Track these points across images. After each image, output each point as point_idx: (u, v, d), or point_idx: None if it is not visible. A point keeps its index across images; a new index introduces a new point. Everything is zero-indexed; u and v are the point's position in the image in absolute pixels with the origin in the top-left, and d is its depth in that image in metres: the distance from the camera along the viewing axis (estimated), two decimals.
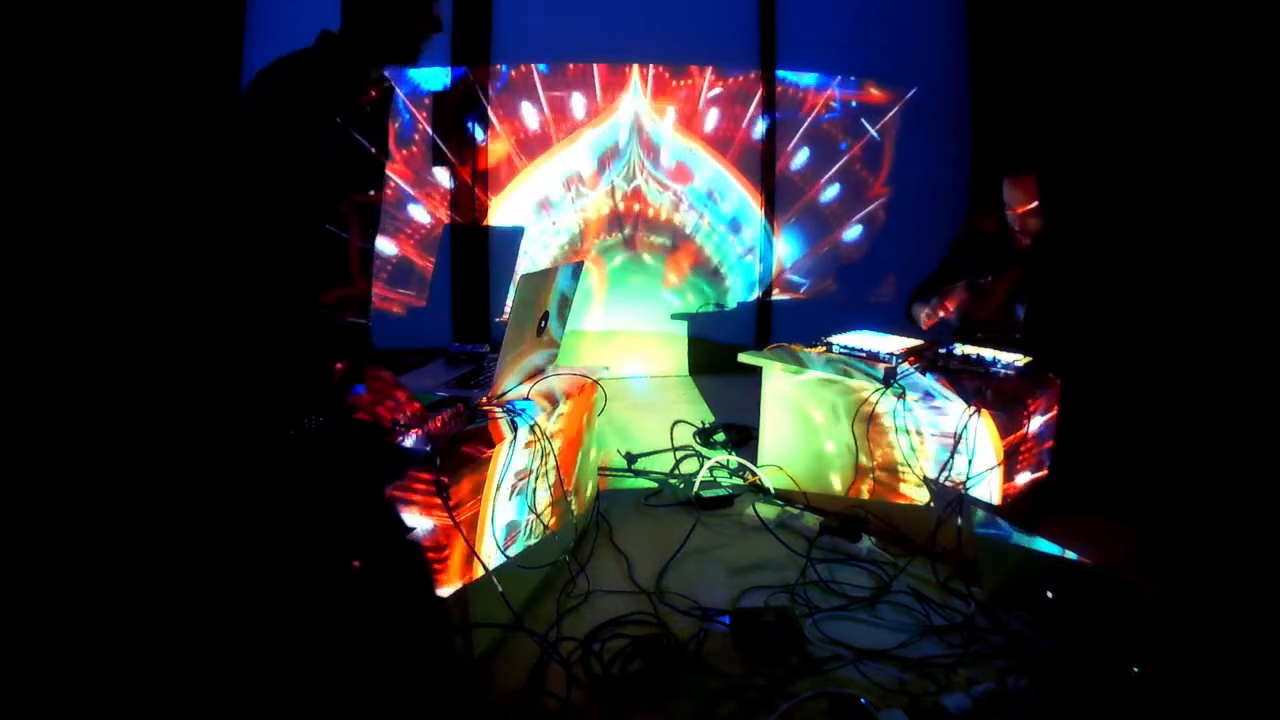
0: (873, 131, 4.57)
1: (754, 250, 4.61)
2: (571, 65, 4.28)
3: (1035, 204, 2.91)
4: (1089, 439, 2.74)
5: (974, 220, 3.24)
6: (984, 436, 2.28)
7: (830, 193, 4.60)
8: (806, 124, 4.52)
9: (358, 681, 1.67)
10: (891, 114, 4.56)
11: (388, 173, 4.09)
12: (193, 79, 3.38)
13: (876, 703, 1.65)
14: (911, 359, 2.59)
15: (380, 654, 1.69)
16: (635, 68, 4.33)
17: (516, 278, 4.31)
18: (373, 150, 1.97)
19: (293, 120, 1.74)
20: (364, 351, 2.14)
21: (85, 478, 2.47)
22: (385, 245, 4.19)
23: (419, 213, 4.24)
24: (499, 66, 4.21)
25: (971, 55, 4.52)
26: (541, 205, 4.38)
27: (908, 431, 2.41)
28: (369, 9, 1.84)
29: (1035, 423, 2.47)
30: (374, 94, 1.95)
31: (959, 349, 2.69)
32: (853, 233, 4.66)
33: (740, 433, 3.32)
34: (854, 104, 4.54)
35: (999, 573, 2.03)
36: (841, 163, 4.58)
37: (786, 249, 4.63)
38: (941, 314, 3.08)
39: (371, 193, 2.00)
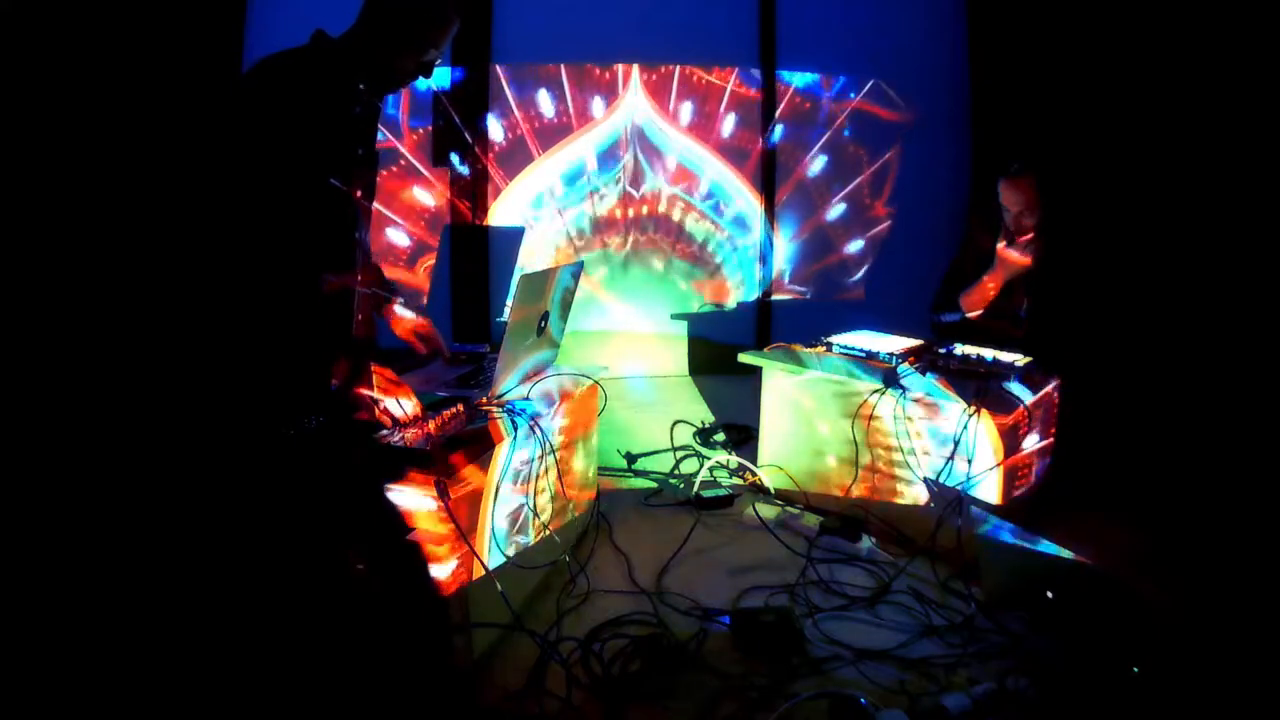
0: (872, 131, 4.56)
1: (754, 250, 4.61)
2: (571, 65, 4.27)
3: (1031, 205, 2.91)
4: (1089, 438, 2.74)
5: (974, 233, 3.23)
6: (984, 436, 2.28)
7: (830, 192, 4.60)
8: (806, 123, 4.52)
9: (357, 682, 1.67)
10: (892, 113, 4.56)
11: (387, 173, 4.10)
12: (192, 78, 3.38)
13: (876, 703, 1.65)
14: (911, 359, 2.59)
15: (380, 654, 1.69)
16: (635, 68, 4.33)
17: (516, 278, 4.31)
18: (361, 151, 1.97)
19: (288, 119, 1.74)
20: (365, 351, 2.14)
21: (82, 478, 2.46)
22: (385, 246, 4.19)
23: (418, 213, 4.24)
24: (499, 67, 4.20)
25: (972, 54, 4.51)
26: (541, 205, 4.38)
27: (908, 432, 2.41)
28: (369, 41, 1.86)
29: (1035, 423, 2.47)
30: (365, 100, 1.95)
31: (959, 349, 2.69)
32: (853, 232, 4.66)
33: (740, 433, 3.32)
34: (854, 102, 4.54)
35: (999, 573, 2.03)
36: (841, 162, 4.58)
37: (786, 248, 4.63)
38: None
39: (359, 194, 2.00)
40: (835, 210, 4.63)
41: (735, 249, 4.60)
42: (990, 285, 3.04)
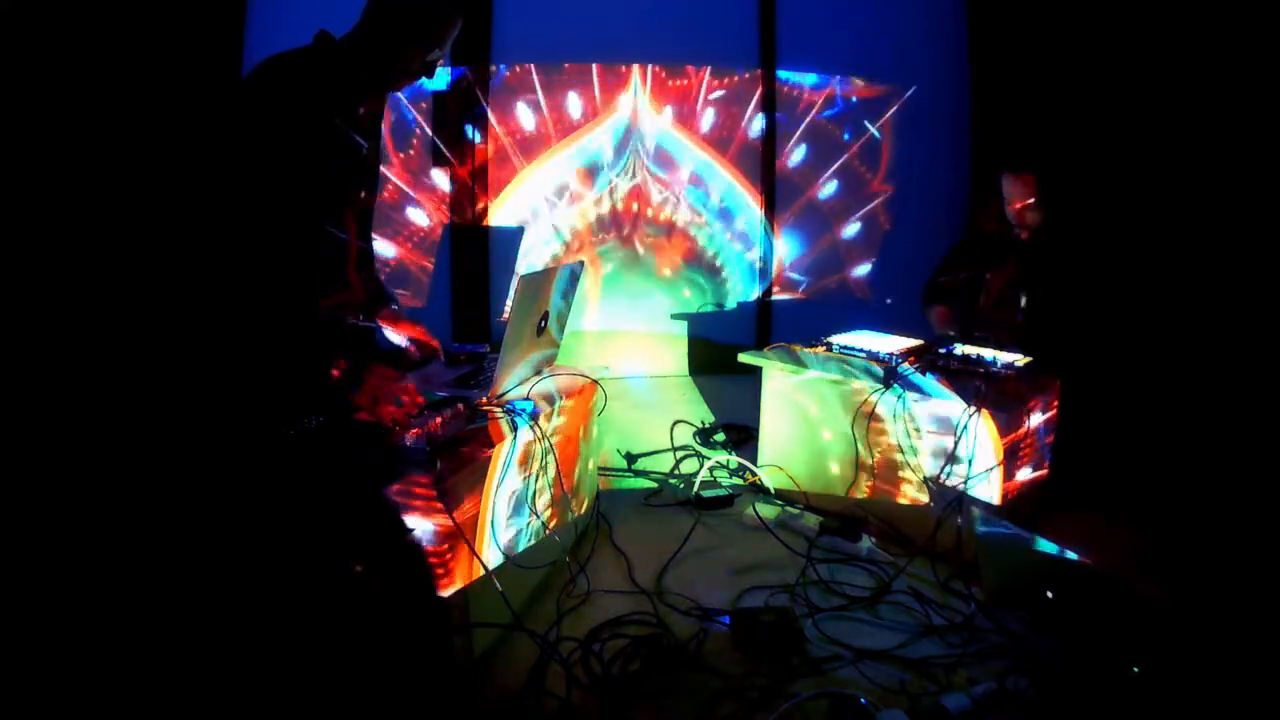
0: (873, 130, 4.57)
1: (754, 250, 4.61)
2: (571, 65, 4.27)
3: (1033, 199, 2.91)
4: (1089, 439, 2.74)
5: (976, 220, 3.25)
6: (984, 436, 2.28)
7: (830, 192, 4.60)
8: (806, 123, 4.52)
9: (358, 682, 1.67)
10: (892, 113, 4.56)
11: (387, 173, 4.10)
12: (192, 78, 3.38)
13: (876, 703, 1.65)
14: (911, 359, 2.59)
15: (380, 654, 1.69)
16: (635, 67, 4.33)
17: (516, 278, 4.31)
18: (365, 151, 1.97)
19: (291, 120, 1.74)
20: (367, 350, 2.14)
21: (81, 479, 2.46)
22: (385, 246, 4.19)
23: (419, 213, 4.24)
24: (498, 66, 4.20)
25: (972, 53, 4.51)
26: (541, 205, 4.38)
27: (908, 431, 2.41)
28: (373, 41, 1.85)
29: (1035, 422, 2.47)
30: (369, 99, 1.95)
31: (959, 349, 2.69)
32: (853, 232, 4.66)
33: (740, 433, 3.32)
34: (854, 103, 4.54)
35: (999, 573, 2.03)
36: (841, 162, 4.58)
37: (786, 248, 4.63)
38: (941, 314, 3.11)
39: (363, 195, 2.00)
40: (835, 210, 4.63)
41: (735, 249, 4.60)
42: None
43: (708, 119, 4.44)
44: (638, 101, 4.37)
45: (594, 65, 4.29)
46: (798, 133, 4.52)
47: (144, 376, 2.89)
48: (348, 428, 1.77)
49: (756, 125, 4.47)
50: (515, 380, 2.09)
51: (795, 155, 4.54)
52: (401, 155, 4.16)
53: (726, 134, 4.47)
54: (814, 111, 4.51)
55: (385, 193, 4.14)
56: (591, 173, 4.39)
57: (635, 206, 4.46)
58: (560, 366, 2.39)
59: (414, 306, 4.25)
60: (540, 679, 1.76)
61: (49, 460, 2.55)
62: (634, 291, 4.55)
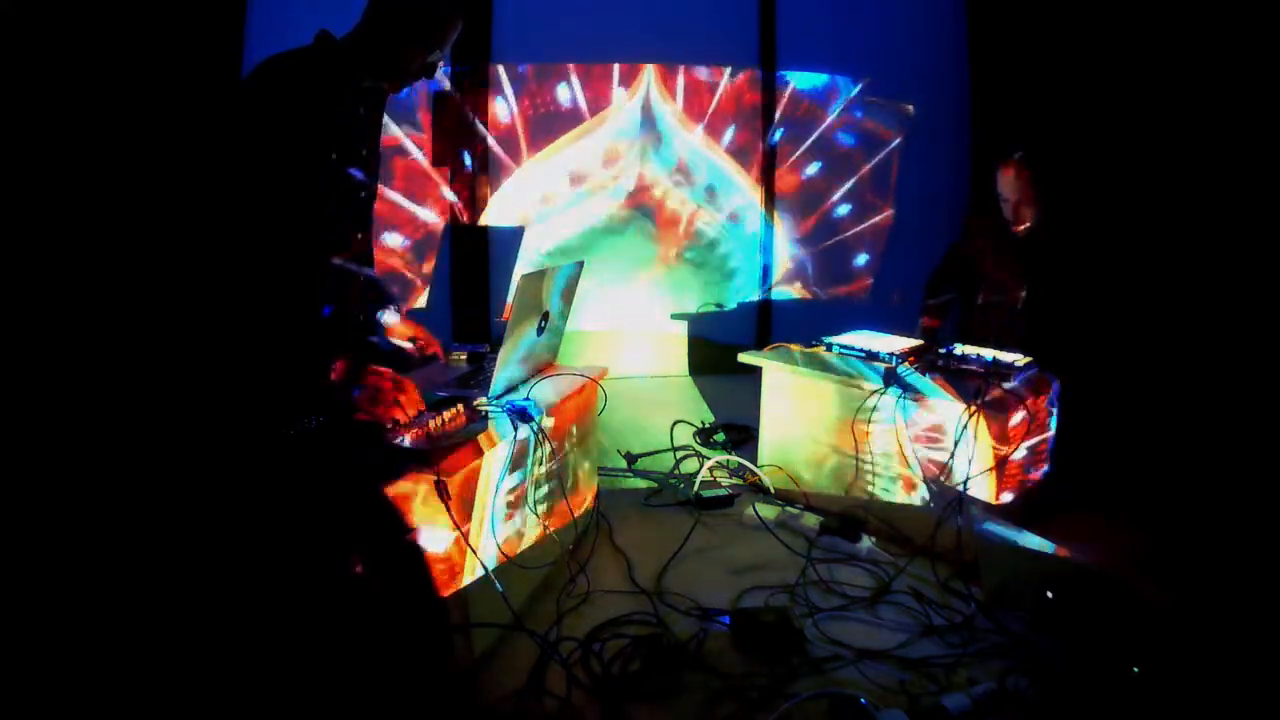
0: (873, 131, 4.57)
1: (755, 250, 4.61)
2: (572, 65, 4.28)
3: (1028, 195, 2.91)
4: (1089, 439, 2.74)
5: (968, 234, 3.26)
6: (983, 437, 2.28)
7: (831, 192, 4.60)
8: (807, 123, 4.52)
9: (357, 682, 1.67)
10: (893, 113, 4.56)
11: (387, 173, 4.10)
12: (192, 78, 3.38)
13: (876, 703, 1.65)
14: (911, 359, 2.59)
15: (379, 654, 1.69)
16: (637, 67, 4.33)
17: (516, 278, 4.31)
18: (365, 150, 1.97)
19: (291, 119, 1.74)
20: (367, 350, 2.14)
21: (83, 478, 2.46)
22: (385, 246, 4.19)
23: (419, 212, 4.24)
24: (499, 66, 4.21)
25: (972, 54, 4.52)
26: (542, 205, 4.38)
27: (907, 432, 2.41)
28: (374, 41, 1.86)
29: (1035, 423, 2.47)
30: (369, 99, 1.95)
31: (959, 349, 2.69)
32: (853, 232, 4.66)
33: (740, 433, 3.32)
34: (855, 103, 4.54)
35: (999, 573, 2.03)
36: (842, 162, 4.58)
37: (787, 248, 4.63)
38: (928, 324, 3.14)
39: (363, 194, 2.00)
40: (836, 210, 4.63)
41: (736, 248, 4.60)
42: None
43: (709, 118, 4.44)
44: (639, 101, 4.37)
45: (595, 65, 4.29)
46: (798, 132, 4.52)
47: (145, 377, 2.89)
48: (348, 428, 1.77)
49: (757, 125, 4.47)
50: (515, 380, 2.09)
51: (796, 155, 4.54)
52: (401, 155, 4.16)
53: (728, 133, 4.47)
54: (814, 111, 4.51)
55: (384, 193, 4.13)
56: (592, 172, 4.39)
57: (636, 205, 4.46)
58: (560, 366, 2.39)
59: (414, 307, 4.26)
60: (540, 679, 1.76)
61: (49, 460, 2.55)
62: (634, 291, 4.55)
